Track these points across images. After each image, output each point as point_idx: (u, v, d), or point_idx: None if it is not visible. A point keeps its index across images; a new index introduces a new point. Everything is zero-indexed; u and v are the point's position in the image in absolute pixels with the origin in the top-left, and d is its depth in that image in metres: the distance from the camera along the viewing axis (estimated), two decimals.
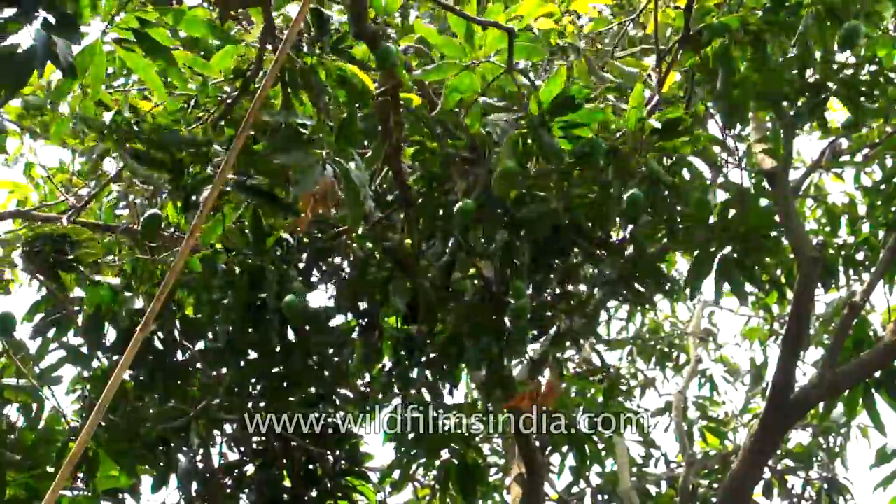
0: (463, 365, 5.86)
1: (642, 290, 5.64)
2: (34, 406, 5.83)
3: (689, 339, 11.77)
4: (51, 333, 5.79)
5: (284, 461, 6.19)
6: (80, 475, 5.77)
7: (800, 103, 6.04)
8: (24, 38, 4.05)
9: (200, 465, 6.04)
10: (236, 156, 2.90)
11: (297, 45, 4.83)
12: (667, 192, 5.19)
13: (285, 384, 5.89)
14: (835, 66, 5.81)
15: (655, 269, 5.57)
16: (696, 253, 6.04)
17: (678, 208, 5.48)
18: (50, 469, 5.54)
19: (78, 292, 5.80)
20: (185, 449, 5.79)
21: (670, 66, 5.26)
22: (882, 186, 7.54)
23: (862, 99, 6.06)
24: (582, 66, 5.44)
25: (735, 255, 5.97)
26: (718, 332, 12.31)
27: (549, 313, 5.72)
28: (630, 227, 5.46)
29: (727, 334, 26.31)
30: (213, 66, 4.97)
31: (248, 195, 5.09)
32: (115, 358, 5.72)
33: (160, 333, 5.76)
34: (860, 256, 8.04)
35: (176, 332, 5.79)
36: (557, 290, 5.71)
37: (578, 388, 7.42)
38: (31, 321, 5.79)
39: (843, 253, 8.05)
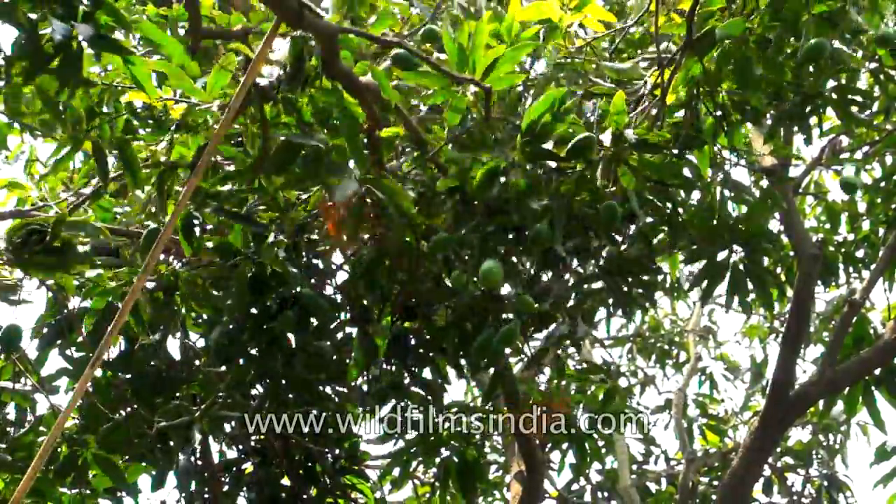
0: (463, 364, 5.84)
1: (633, 293, 5.63)
2: (29, 409, 5.84)
3: (689, 337, 11.77)
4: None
5: (284, 459, 6.19)
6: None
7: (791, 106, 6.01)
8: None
9: (199, 464, 6.03)
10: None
11: (277, 80, 4.80)
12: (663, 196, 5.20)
13: (284, 383, 5.88)
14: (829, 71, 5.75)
15: (646, 272, 5.54)
16: (705, 261, 6.00)
17: (680, 210, 5.47)
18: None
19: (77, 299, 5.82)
20: (184, 447, 5.78)
21: (673, 74, 5.19)
22: (882, 184, 7.54)
23: (854, 109, 6.04)
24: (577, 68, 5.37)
25: (744, 265, 5.95)
26: (718, 330, 12.32)
27: (547, 306, 5.69)
28: (632, 228, 5.44)
29: (727, 332, 26.30)
30: (208, 87, 4.92)
31: (226, 217, 5.14)
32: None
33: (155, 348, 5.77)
34: (860, 254, 8.04)
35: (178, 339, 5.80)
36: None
37: (578, 386, 7.41)
38: (38, 335, 5.80)
39: (843, 250, 8.05)
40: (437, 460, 6.67)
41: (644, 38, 6.36)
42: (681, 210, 5.37)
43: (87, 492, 5.91)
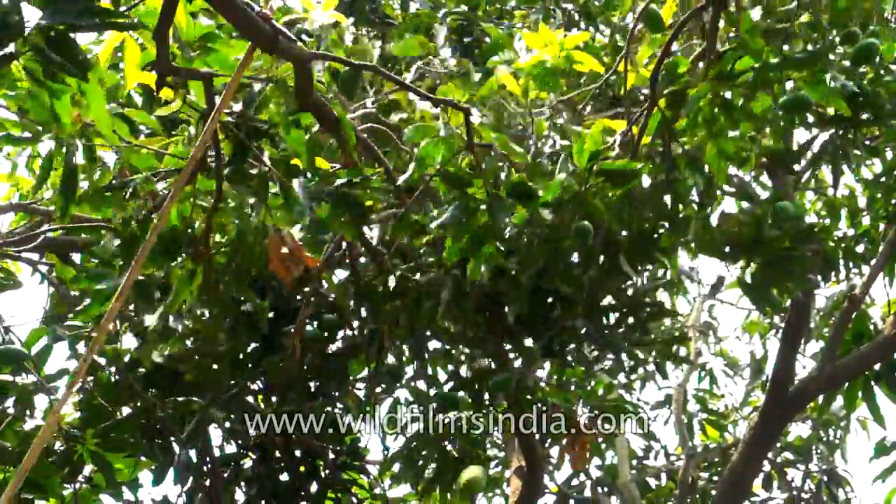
0: None
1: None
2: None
3: (690, 333, 11.77)
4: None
5: (284, 455, 6.19)
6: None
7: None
8: None
9: (199, 459, 6.04)
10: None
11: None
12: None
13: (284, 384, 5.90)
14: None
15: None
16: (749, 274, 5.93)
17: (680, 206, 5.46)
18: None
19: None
20: (189, 442, 5.80)
21: (642, 131, 5.15)
22: (882, 179, 7.54)
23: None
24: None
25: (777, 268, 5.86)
26: (719, 326, 12.32)
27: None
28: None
29: (727, 328, 26.33)
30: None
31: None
32: None
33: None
34: (860, 249, 8.05)
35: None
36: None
37: (577, 382, 7.40)
38: (48, 335, 5.82)
39: (843, 245, 8.05)
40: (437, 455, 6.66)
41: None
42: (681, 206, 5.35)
43: (88, 487, 5.91)
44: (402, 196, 5.12)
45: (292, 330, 5.65)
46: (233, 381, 5.80)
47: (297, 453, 6.21)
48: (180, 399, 5.69)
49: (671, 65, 5.06)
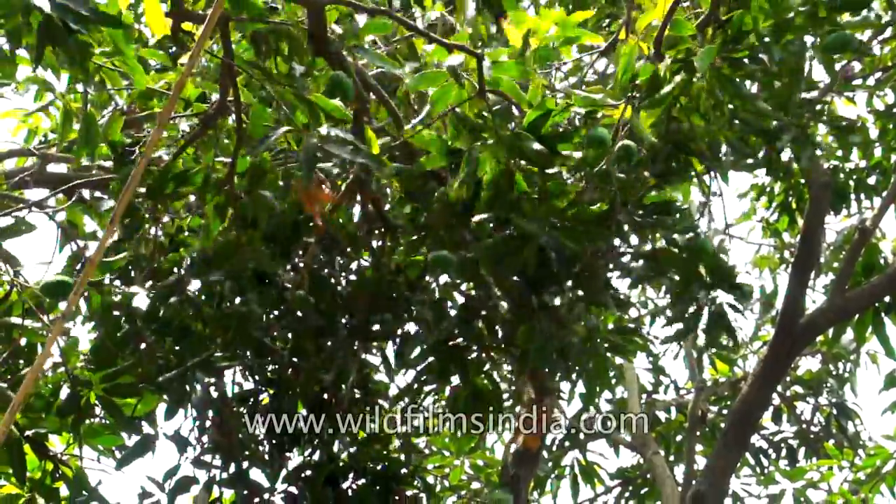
0: None
1: None
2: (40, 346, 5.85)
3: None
4: None
5: (299, 390, 6.22)
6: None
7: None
8: None
9: (214, 393, 6.09)
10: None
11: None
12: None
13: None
14: None
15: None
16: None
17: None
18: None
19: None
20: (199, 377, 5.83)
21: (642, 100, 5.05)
22: (894, 110, 7.48)
23: None
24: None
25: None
26: (729, 260, 12.30)
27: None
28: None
29: (738, 262, 26.28)
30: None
31: None
32: None
33: None
34: (872, 181, 8.01)
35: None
36: None
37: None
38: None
39: (854, 178, 8.01)
40: (447, 391, 6.70)
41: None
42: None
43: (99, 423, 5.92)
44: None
45: (301, 265, 5.67)
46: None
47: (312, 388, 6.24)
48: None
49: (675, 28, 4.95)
